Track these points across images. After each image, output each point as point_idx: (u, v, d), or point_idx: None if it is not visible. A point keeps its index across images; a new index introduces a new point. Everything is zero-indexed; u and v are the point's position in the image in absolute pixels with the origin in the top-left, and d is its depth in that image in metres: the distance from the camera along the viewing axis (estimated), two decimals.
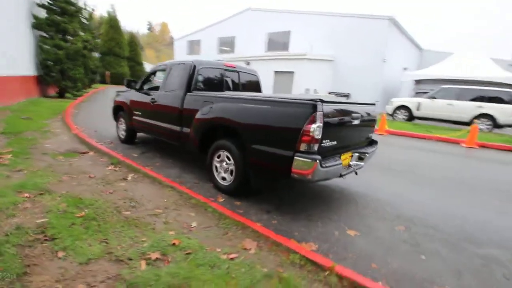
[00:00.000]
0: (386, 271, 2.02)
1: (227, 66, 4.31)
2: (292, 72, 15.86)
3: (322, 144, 2.54)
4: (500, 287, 1.92)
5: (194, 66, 3.85)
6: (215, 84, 4.17)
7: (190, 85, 3.80)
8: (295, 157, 2.48)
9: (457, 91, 10.52)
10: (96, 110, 9.61)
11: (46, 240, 1.85)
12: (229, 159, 3.17)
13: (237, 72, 4.50)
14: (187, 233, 2.25)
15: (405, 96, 15.64)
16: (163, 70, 4.50)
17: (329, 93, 16.53)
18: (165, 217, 2.49)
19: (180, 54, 27.67)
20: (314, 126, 2.39)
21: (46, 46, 10.50)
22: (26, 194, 2.57)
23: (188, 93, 3.75)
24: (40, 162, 3.81)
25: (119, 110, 5.54)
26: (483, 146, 7.14)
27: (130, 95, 5.05)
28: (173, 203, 2.79)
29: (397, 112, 11.97)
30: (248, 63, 17.99)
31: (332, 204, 3.16)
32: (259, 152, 2.75)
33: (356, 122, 3.03)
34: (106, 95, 14.47)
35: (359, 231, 2.59)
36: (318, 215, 2.87)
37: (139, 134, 5.61)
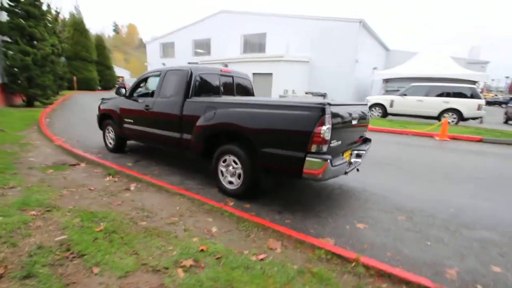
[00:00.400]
0: (401, 257, 2.21)
1: (222, 71, 4.35)
2: (270, 74, 16.12)
3: (330, 145, 2.70)
4: (498, 264, 2.18)
5: (191, 73, 3.84)
6: (212, 89, 4.19)
7: (188, 91, 3.79)
8: (307, 158, 2.61)
9: (426, 88, 11.35)
10: (72, 118, 9.12)
11: (74, 257, 1.80)
12: (236, 163, 3.23)
13: (232, 77, 4.56)
14: (210, 239, 2.28)
15: (376, 94, 16.55)
16: (156, 76, 4.43)
17: (306, 93, 17.02)
18: (183, 225, 2.50)
19: (153, 58, 26.94)
20: (324, 128, 2.53)
21: (11, 52, 9.75)
22: (33, 212, 2.44)
23: (188, 100, 3.74)
24: (30, 177, 3.59)
25: (105, 118, 5.34)
26: (454, 138, 7.81)
27: (120, 102, 4.90)
28: (187, 210, 2.80)
29: (373, 109, 12.63)
30: (226, 65, 17.98)
31: (336, 200, 3.33)
32: (271, 155, 2.84)
33: (355, 122, 3.23)
34: (78, 102, 13.74)
35: (367, 224, 2.77)
36: (326, 211, 3.02)
37: (129, 142, 5.45)
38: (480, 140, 7.52)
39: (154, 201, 3.00)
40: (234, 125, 3.13)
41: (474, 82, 14.77)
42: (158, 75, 4.37)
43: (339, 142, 2.93)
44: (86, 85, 22.70)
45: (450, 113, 10.64)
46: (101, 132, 5.55)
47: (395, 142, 7.44)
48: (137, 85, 4.80)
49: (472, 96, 10.49)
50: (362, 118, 3.52)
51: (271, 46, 18.86)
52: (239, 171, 3.20)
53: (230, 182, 3.33)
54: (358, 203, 3.30)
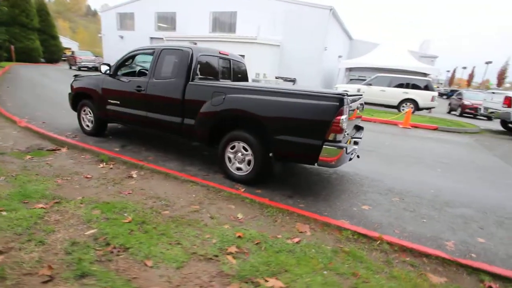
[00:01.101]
0: (407, 234, 2.52)
1: (221, 53, 4.21)
2: (242, 56, 15.77)
3: (345, 133, 2.87)
4: (481, 235, 2.61)
5: (192, 53, 3.66)
6: (211, 72, 4.05)
7: (189, 73, 3.62)
8: (324, 146, 2.75)
9: (388, 79, 12.28)
10: (24, 95, 8.02)
11: (119, 251, 1.71)
12: (246, 150, 3.24)
13: (229, 60, 4.44)
14: (240, 225, 2.33)
15: (340, 83, 17.42)
16: (147, 54, 4.11)
17: (276, 78, 17.18)
18: (207, 212, 2.49)
19: (109, 29, 24.37)
20: (343, 117, 2.68)
21: None
22: (40, 205, 2.21)
23: (190, 83, 3.58)
24: (8, 165, 3.18)
25: (81, 97, 4.84)
26: (415, 126, 8.71)
27: (101, 81, 4.46)
28: (205, 198, 2.78)
29: None
30: (195, 44, 17.11)
31: (337, 185, 3.58)
32: (287, 142, 2.92)
33: (359, 112, 3.45)
34: (23, 76, 12.01)
35: (370, 205, 3.06)
36: (332, 195, 3.25)
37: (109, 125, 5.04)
38: (436, 129, 8.52)
39: (165, 189, 2.91)
40: (247, 112, 3.11)
41: (425, 75, 16.39)
42: (151, 53, 4.06)
43: (348, 131, 3.12)
44: (26, 56, 19.81)
45: (408, 103, 11.75)
46: (67, 113, 5.04)
47: (367, 129, 8.03)
48: (122, 63, 4.40)
49: (427, 88, 11.68)
50: (361, 109, 3.76)
51: (241, 26, 18.35)
52: (249, 157, 3.23)
53: (239, 169, 3.35)
54: (356, 186, 3.59)
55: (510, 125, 8.97)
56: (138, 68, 4.86)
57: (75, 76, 5.10)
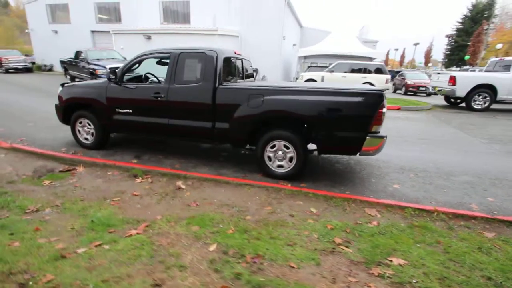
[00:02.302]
0: (441, 203, 3.03)
1: (236, 53, 4.21)
2: None
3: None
4: (489, 196, 3.27)
5: (217, 56, 3.63)
6: (231, 73, 4.05)
7: (216, 77, 3.59)
8: (367, 137, 3.09)
9: (348, 65, 13.32)
10: None
11: (259, 259, 1.79)
12: (287, 148, 3.42)
13: (241, 60, 4.46)
14: (319, 218, 2.56)
15: (295, 70, 18.20)
16: (162, 58, 3.91)
17: None
18: (283, 211, 2.65)
19: (38, 23, 21.11)
20: (384, 110, 3.04)
21: None
22: (133, 231, 2.11)
23: (221, 86, 3.56)
24: (35, 194, 2.85)
25: (75, 108, 4.37)
26: None
27: (105, 90, 4.09)
28: (271, 199, 2.91)
29: None
30: (149, 37, 16.01)
31: (361, 170, 3.99)
32: (332, 137, 3.19)
33: None
34: None
35: (398, 184, 3.54)
36: (364, 179, 3.65)
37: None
38: (399, 108, 9.69)
39: (226, 196, 2.95)
40: (292, 113, 3.26)
41: (371, 59, 18.11)
42: (165, 57, 3.88)
43: None
44: None
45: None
46: (38, 126, 4.55)
47: None
48: (128, 69, 4.09)
49: (381, 72, 13.01)
50: None
51: (196, 16, 17.65)
52: (291, 154, 3.42)
53: (280, 166, 3.51)
54: (376, 169, 4.05)
55: (452, 100, 10.66)
56: (142, 74, 4.55)
57: (63, 84, 4.54)
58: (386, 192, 3.26)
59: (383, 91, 3.07)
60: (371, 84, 12.84)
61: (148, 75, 4.60)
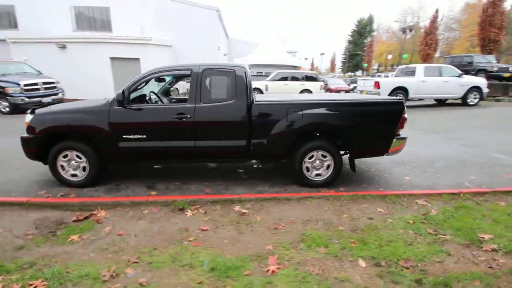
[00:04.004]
0: (448, 186, 3.76)
1: None
2: (137, 59, 14.03)
3: None
4: (470, 175, 4.23)
5: (246, 73, 3.58)
6: (251, 87, 3.99)
7: (248, 93, 3.53)
8: (394, 140, 3.60)
9: (287, 74, 14.44)
10: None
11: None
12: (324, 156, 3.63)
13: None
14: (393, 216, 2.86)
15: None
16: (179, 76, 3.54)
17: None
18: (360, 217, 2.84)
19: None
20: (406, 115, 3.60)
21: None
22: (271, 267, 1.92)
23: (255, 102, 3.50)
24: (76, 256, 2.24)
25: (57, 139, 3.51)
26: None
27: (107, 114, 3.44)
28: (337, 207, 3.05)
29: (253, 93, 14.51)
30: (63, 47, 13.58)
31: (370, 168, 4.53)
32: (367, 142, 3.57)
33: None
34: None
35: (408, 176, 4.19)
36: (380, 175, 4.17)
37: None
38: None
39: (297, 211, 2.95)
40: (328, 124, 3.49)
41: (296, 67, 20.09)
42: (184, 75, 3.55)
43: None
44: None
45: (305, 92, 14.34)
46: None
47: None
48: (136, 88, 3.55)
49: (315, 79, 14.61)
50: None
51: (119, 24, 15.96)
52: (328, 162, 3.64)
53: (318, 175, 3.69)
54: (381, 165, 4.64)
55: None
56: (147, 92, 3.99)
57: (33, 110, 3.55)
58: (407, 184, 3.83)
59: (403, 100, 3.64)
60: (309, 90, 14.28)
61: (151, 94, 4.07)
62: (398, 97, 3.93)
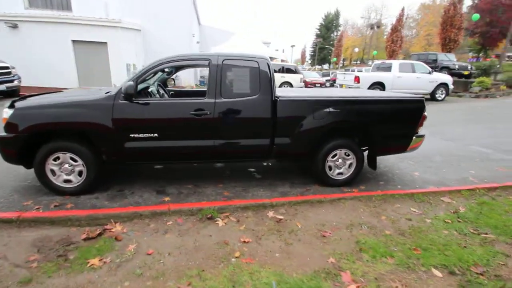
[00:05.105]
0: (455, 181, 3.93)
1: None
2: (104, 43, 12.67)
3: None
4: (469, 169, 4.46)
5: (269, 64, 3.29)
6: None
7: (273, 88, 3.26)
8: (414, 137, 3.61)
9: None
10: None
11: None
12: (347, 155, 3.52)
13: None
14: (428, 216, 2.85)
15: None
16: (194, 66, 3.11)
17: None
18: (399, 218, 2.78)
19: None
20: (426, 113, 3.61)
21: None
22: (352, 286, 1.73)
23: (280, 98, 3.23)
24: (103, 285, 1.84)
25: (44, 139, 2.94)
26: None
27: (110, 109, 2.93)
28: (371, 208, 2.98)
29: None
30: (15, 26, 11.74)
31: (379, 164, 4.55)
32: (389, 139, 3.53)
33: None
34: None
35: (416, 171, 4.29)
36: (393, 172, 4.21)
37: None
38: None
39: (334, 215, 2.81)
40: (353, 122, 3.39)
41: (272, 59, 19.94)
42: (200, 65, 3.14)
43: None
44: None
45: (286, 85, 14.28)
46: None
47: None
48: (143, 80, 3.07)
49: (295, 72, 14.58)
50: None
51: (80, 4, 14.19)
52: (351, 161, 3.55)
53: (340, 174, 3.58)
54: (387, 161, 4.70)
55: None
56: (154, 84, 3.48)
57: (13, 104, 2.88)
58: (419, 180, 3.90)
59: (424, 98, 3.64)
60: (289, 83, 14.23)
61: (151, 86, 3.57)
62: (419, 96, 3.91)
